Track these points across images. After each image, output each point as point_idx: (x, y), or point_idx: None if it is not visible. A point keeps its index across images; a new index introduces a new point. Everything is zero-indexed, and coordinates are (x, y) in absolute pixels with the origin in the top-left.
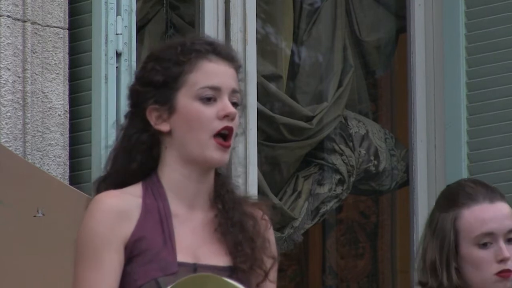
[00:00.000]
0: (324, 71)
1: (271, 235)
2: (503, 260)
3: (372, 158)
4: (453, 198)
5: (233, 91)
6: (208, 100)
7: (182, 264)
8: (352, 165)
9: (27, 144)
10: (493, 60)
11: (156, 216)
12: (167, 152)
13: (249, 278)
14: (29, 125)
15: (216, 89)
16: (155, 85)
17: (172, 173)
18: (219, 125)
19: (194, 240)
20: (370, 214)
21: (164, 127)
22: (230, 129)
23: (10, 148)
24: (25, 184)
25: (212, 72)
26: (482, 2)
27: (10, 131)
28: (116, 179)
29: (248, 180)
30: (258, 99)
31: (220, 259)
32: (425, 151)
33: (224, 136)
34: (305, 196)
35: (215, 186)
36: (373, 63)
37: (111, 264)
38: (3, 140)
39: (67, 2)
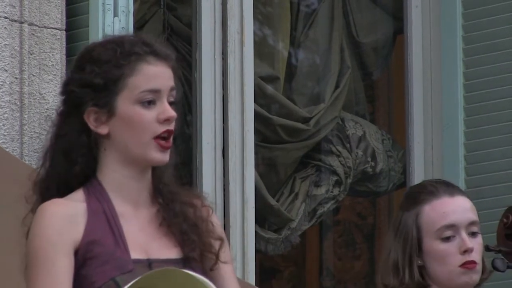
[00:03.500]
0: (321, 72)
1: (214, 218)
2: (466, 251)
3: (369, 159)
4: (414, 196)
5: (171, 90)
6: (148, 104)
7: (137, 261)
8: (349, 166)
9: (24, 146)
10: (490, 61)
11: (103, 217)
12: (106, 154)
13: (203, 265)
14: (26, 127)
15: (156, 92)
16: (95, 88)
17: (112, 174)
18: (160, 128)
19: (143, 236)
20: (367, 215)
21: (102, 129)
22: (170, 132)
23: (7, 150)
24: (22, 185)
25: (152, 75)
26: (479, 4)
27: (7, 132)
28: (58, 180)
29: (245, 181)
30: (255, 101)
31: (171, 252)
32: (422, 153)
33: (164, 138)
34: (302, 198)
35: (153, 181)
36: (370, 65)
37: (62, 268)
38: (0, 142)
39: (64, 3)
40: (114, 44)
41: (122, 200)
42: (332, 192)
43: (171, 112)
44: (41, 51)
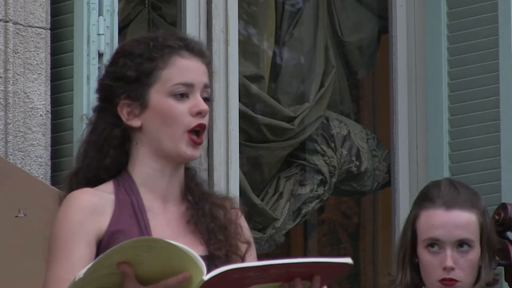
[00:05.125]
0: (306, 71)
1: (243, 222)
2: (446, 269)
3: (353, 158)
4: (420, 197)
5: (205, 86)
6: (181, 96)
7: None
8: (333, 165)
9: (8, 145)
10: (475, 61)
11: (130, 210)
12: (138, 147)
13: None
14: (10, 126)
15: (189, 86)
16: (127, 80)
17: (143, 168)
18: (193, 122)
19: (169, 232)
20: (352, 214)
21: (135, 122)
22: (203, 126)
23: None
24: (6, 184)
25: (185, 68)
26: (464, 3)
27: None
28: (88, 173)
29: (230, 180)
30: (240, 100)
31: (196, 249)
32: (407, 152)
33: (196, 132)
34: (286, 197)
35: (185, 180)
36: (355, 64)
37: (79, 257)
38: None
39: (49, 2)
40: (148, 38)
41: (151, 195)
42: (316, 191)
43: (204, 105)
44: (26, 50)
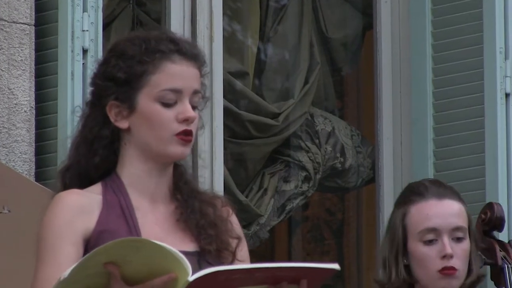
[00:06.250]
0: (290, 68)
1: (234, 219)
2: (445, 257)
3: (338, 155)
4: (405, 195)
5: (194, 92)
6: (168, 104)
7: None
8: (318, 162)
9: None
10: (459, 57)
11: (119, 210)
12: (126, 148)
13: (218, 261)
14: None
15: (178, 92)
16: (117, 82)
17: (131, 169)
18: (178, 128)
19: (158, 230)
20: (336, 211)
21: (123, 124)
22: (188, 132)
23: None
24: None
25: (174, 75)
26: (449, 0)
27: None
28: (79, 169)
29: (214, 177)
30: (224, 96)
31: (186, 246)
32: (391, 148)
33: (185, 133)
34: (271, 193)
35: (174, 178)
36: (340, 60)
37: (67, 256)
38: None
39: None
40: (141, 39)
41: (139, 195)
42: (301, 187)
43: (191, 112)
44: (10, 46)
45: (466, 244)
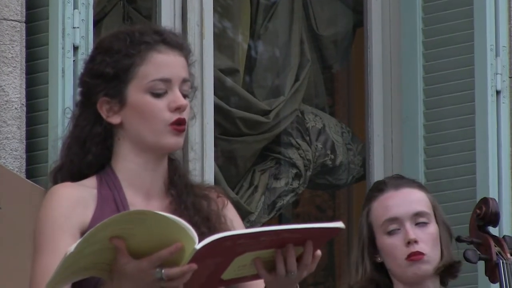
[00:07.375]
0: (281, 65)
1: (228, 211)
2: (410, 243)
3: (328, 152)
4: (368, 194)
5: (184, 81)
6: (158, 94)
7: None
8: (308, 159)
9: None
10: (450, 54)
11: (113, 205)
12: (120, 143)
13: None
14: None
15: (167, 81)
16: (105, 77)
17: (126, 163)
18: (171, 117)
19: None
20: (326, 208)
21: (115, 119)
22: (182, 120)
23: None
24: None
25: (162, 64)
26: None
27: None
28: (71, 169)
29: (205, 174)
30: (215, 93)
31: None
32: (381, 145)
33: (177, 123)
34: (261, 190)
35: (169, 172)
36: (330, 58)
37: (66, 247)
38: None
39: None
40: (125, 34)
41: (134, 190)
42: (291, 185)
43: (182, 101)
44: (1, 43)
45: (431, 228)
